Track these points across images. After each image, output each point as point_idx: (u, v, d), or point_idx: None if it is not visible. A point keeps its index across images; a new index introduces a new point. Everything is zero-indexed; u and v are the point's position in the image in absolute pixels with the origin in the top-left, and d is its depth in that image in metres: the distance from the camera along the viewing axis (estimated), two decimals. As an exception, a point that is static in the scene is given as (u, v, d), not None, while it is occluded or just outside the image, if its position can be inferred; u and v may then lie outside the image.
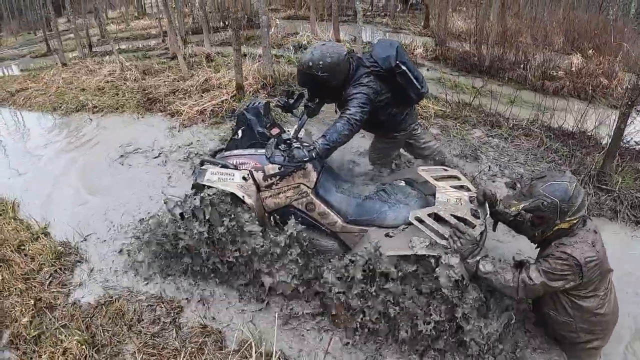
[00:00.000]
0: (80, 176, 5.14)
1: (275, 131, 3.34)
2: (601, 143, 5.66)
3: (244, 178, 3.05)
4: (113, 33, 15.15)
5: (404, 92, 3.38)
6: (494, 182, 4.68)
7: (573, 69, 8.27)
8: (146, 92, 7.24)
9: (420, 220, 2.66)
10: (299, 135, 3.23)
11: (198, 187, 3.16)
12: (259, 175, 3.07)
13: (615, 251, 3.35)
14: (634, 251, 3.89)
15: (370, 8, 17.12)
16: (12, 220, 4.39)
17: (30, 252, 3.85)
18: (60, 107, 7.43)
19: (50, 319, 3.15)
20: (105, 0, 20.16)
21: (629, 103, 4.52)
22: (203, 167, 3.25)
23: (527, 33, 9.15)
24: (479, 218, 2.69)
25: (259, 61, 7.23)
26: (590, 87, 7.81)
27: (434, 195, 2.95)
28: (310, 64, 3.13)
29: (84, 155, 5.66)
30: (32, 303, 3.28)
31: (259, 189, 3.11)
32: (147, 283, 3.43)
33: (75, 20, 12.58)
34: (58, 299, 3.34)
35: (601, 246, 2.54)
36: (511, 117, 6.17)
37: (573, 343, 2.75)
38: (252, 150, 3.21)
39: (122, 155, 5.41)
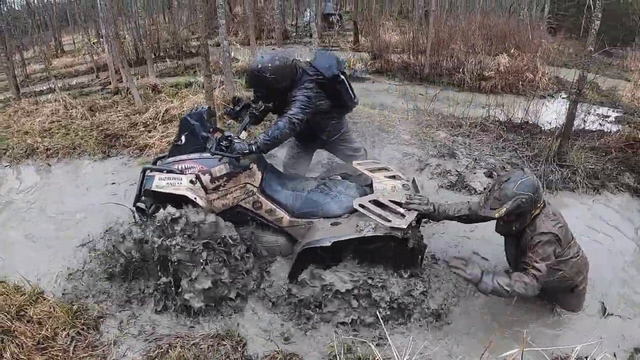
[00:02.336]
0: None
1: (217, 135, 3.31)
2: (547, 129, 6.02)
3: (191, 181, 3.03)
4: (36, 73, 13.81)
5: (341, 100, 3.60)
6: (475, 173, 4.82)
7: (501, 68, 8.64)
8: (101, 129, 6.55)
9: (364, 207, 2.95)
10: (240, 137, 3.23)
11: (148, 194, 3.13)
12: (206, 178, 3.09)
13: (582, 214, 4.36)
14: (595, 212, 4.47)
15: (294, 30, 16.94)
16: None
17: (34, 317, 3.19)
18: (5, 153, 6.51)
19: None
20: (17, 42, 18.47)
21: (578, 91, 4.89)
22: (150, 173, 3.15)
23: (457, 40, 9.47)
24: (411, 200, 3.04)
25: (220, 87, 6.79)
26: (520, 82, 8.19)
27: (369, 186, 3.30)
28: (260, 66, 3.29)
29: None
30: (64, 376, 2.69)
31: (206, 191, 3.11)
32: (192, 325, 3.01)
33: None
34: (96, 363, 2.77)
35: (557, 211, 2.93)
36: (464, 117, 6.35)
37: (572, 289, 3.07)
38: (196, 155, 3.16)
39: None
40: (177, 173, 3.07)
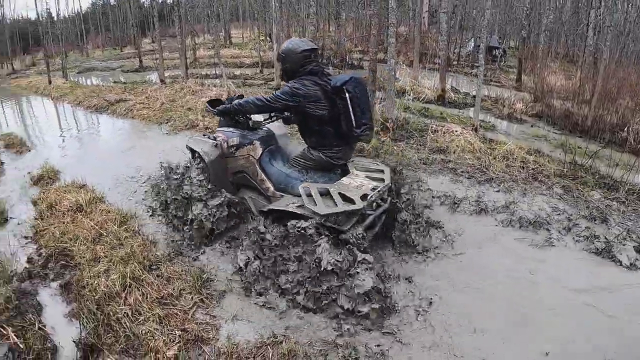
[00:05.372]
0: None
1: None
2: None
3: (215, 145, 4.12)
4: (204, 58, 15.47)
5: (339, 119, 3.72)
6: (624, 245, 4.31)
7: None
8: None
9: (305, 189, 3.45)
10: (254, 117, 4.30)
11: (187, 148, 4.40)
12: (224, 145, 4.13)
13: None
14: None
15: (456, 58, 16.90)
16: (135, 234, 4.27)
17: (165, 273, 3.62)
18: (167, 122, 7.40)
19: (203, 356, 2.86)
20: (191, 27, 20.91)
21: None
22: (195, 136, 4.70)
23: (625, 94, 8.67)
24: (365, 200, 3.34)
25: (381, 103, 7.02)
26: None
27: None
28: (283, 44, 3.89)
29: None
30: (178, 334, 2.98)
31: (224, 155, 4.13)
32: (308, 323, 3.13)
33: (159, 40, 12.93)
34: (208, 332, 3.04)
35: None
36: (623, 181, 5.79)
37: None
38: (225, 129, 4.30)
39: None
40: (210, 138, 4.21)
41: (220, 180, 4.19)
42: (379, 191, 3.58)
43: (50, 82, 15.59)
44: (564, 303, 3.41)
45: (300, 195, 3.45)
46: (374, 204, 3.60)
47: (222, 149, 4.12)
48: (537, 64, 11.82)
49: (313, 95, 3.66)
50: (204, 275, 3.56)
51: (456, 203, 4.84)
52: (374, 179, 3.73)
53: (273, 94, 3.76)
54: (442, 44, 10.51)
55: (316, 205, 3.29)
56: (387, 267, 3.78)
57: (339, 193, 3.39)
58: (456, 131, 6.61)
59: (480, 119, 7.02)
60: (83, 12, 40.23)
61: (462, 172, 5.56)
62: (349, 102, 3.62)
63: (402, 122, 6.99)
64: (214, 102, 4.35)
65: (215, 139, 4.18)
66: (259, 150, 4.10)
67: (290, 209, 3.42)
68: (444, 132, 6.64)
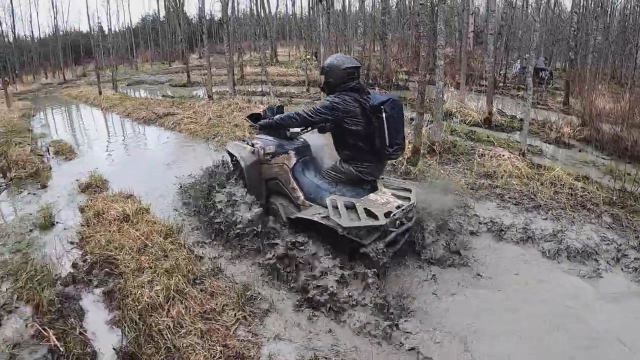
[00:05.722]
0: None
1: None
2: None
3: (252, 152, 4.35)
4: (250, 75, 15.77)
5: (373, 136, 3.85)
6: None
7: None
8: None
9: (332, 202, 3.59)
10: (300, 133, 4.46)
11: (227, 152, 4.79)
12: (261, 152, 4.32)
13: None
14: None
15: (502, 80, 16.64)
16: (181, 247, 4.31)
17: (209, 288, 3.63)
18: (214, 138, 7.52)
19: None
20: (238, 45, 21.41)
21: None
22: (235, 141, 4.93)
23: None
24: (388, 217, 3.48)
25: (427, 126, 6.97)
26: None
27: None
28: (327, 59, 4.04)
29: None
30: (219, 350, 2.97)
31: (260, 161, 4.34)
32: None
33: (208, 57, 13.24)
34: (249, 350, 3.02)
35: None
36: None
37: None
38: (263, 136, 4.50)
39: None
40: (249, 144, 4.47)
41: (254, 185, 4.44)
42: (402, 210, 3.70)
43: (100, 93, 16.19)
44: (609, 337, 3.27)
45: (325, 205, 3.66)
46: (397, 222, 3.68)
47: (258, 156, 4.34)
48: (585, 86, 11.50)
49: (352, 111, 3.79)
50: (248, 293, 3.55)
51: (503, 230, 4.72)
52: (400, 197, 3.89)
53: (313, 107, 3.90)
54: (488, 66, 10.38)
55: (340, 217, 3.43)
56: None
57: (364, 208, 3.55)
58: (503, 155, 6.48)
59: (527, 143, 6.86)
60: (133, 27, 41.92)
61: (509, 198, 5.44)
62: (384, 121, 3.76)
63: (449, 145, 6.90)
64: (253, 117, 4.65)
65: (253, 145, 4.42)
66: (293, 160, 4.26)
67: (315, 219, 3.65)
68: (491, 157, 6.52)
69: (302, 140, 4.48)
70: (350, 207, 3.57)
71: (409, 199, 3.88)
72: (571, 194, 5.71)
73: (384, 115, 3.74)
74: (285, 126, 4.20)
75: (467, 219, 4.81)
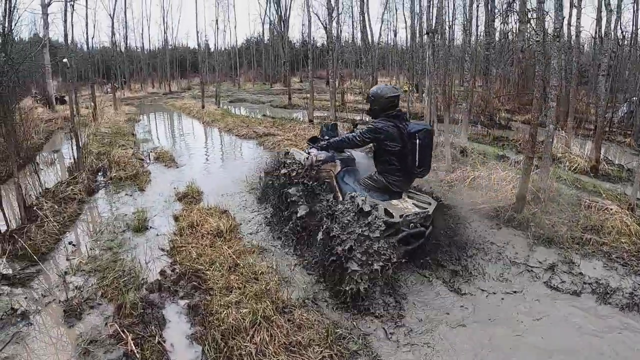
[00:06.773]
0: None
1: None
2: None
3: (307, 158, 5.05)
4: (350, 102, 15.87)
5: (406, 156, 4.53)
6: None
7: None
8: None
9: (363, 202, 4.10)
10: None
11: (287, 155, 5.84)
12: (314, 159, 4.97)
13: None
14: None
15: (607, 124, 15.25)
16: (272, 271, 4.24)
17: (297, 319, 3.47)
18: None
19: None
20: (340, 71, 21.74)
21: None
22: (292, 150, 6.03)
23: None
24: (402, 217, 4.16)
25: (534, 170, 6.50)
26: None
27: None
28: (372, 88, 4.80)
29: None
30: (304, 388, 2.79)
31: (313, 166, 5.01)
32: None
33: (312, 81, 13.42)
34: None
35: None
36: None
37: None
38: (318, 147, 5.16)
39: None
40: (305, 152, 5.33)
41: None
42: (417, 214, 4.31)
43: (203, 107, 16.96)
44: None
45: None
46: (411, 224, 4.22)
47: (311, 161, 5.05)
48: None
49: (392, 134, 4.49)
50: (338, 331, 3.36)
51: (608, 293, 4.20)
52: (419, 207, 4.50)
53: (360, 131, 4.69)
54: (599, 110, 9.58)
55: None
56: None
57: (385, 208, 4.24)
58: (611, 209, 5.89)
59: (638, 196, 6.17)
60: (238, 47, 43.88)
61: (617, 257, 4.87)
62: (417, 146, 4.48)
63: (555, 193, 6.40)
64: (313, 139, 5.56)
65: (309, 153, 5.18)
66: (338, 168, 5.14)
67: (366, 209, 4.14)
68: (598, 209, 5.95)
69: (348, 153, 5.34)
70: (373, 207, 4.10)
71: (427, 209, 4.45)
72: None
73: (417, 141, 4.47)
74: (336, 148, 5.01)
75: (572, 277, 4.40)
